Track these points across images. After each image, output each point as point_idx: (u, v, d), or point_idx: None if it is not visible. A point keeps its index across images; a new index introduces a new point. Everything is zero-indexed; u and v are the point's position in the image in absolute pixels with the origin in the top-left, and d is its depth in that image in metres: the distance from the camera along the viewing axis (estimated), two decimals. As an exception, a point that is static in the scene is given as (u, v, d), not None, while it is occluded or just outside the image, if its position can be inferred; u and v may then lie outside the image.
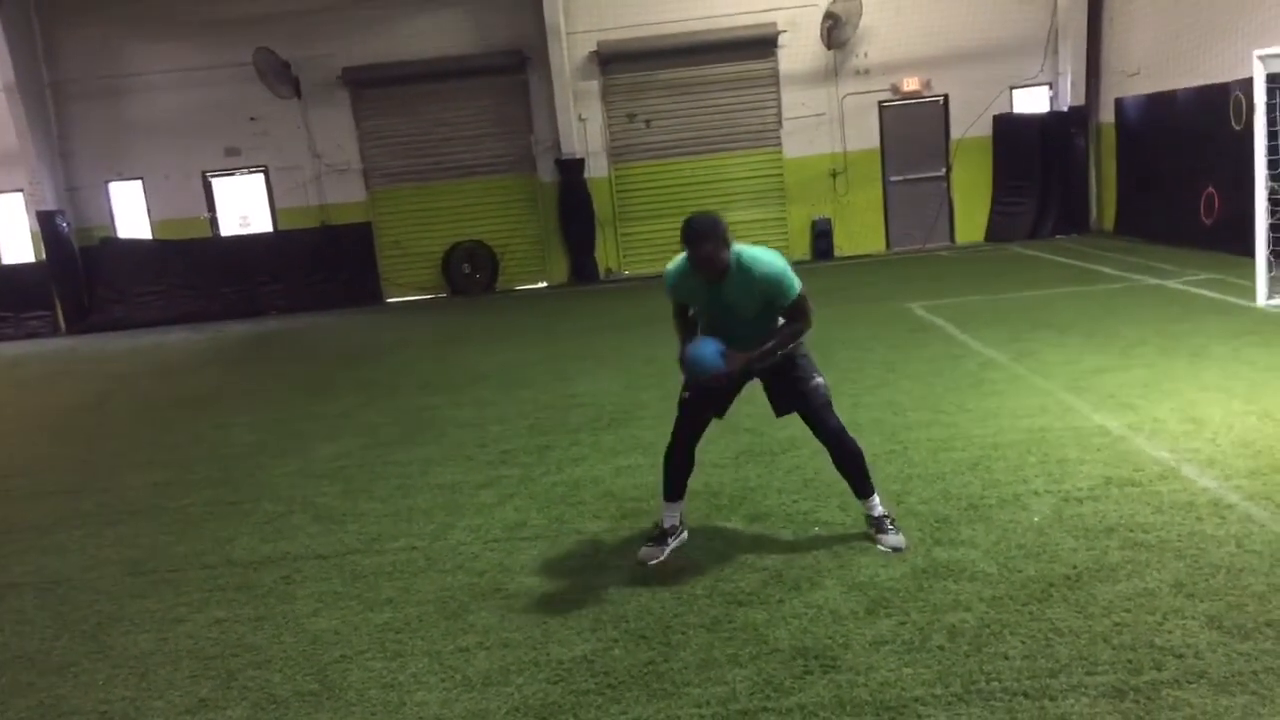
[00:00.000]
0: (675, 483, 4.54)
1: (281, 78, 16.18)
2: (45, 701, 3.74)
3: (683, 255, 4.27)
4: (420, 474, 6.25)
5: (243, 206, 17.23)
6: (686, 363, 4.29)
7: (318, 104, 16.63)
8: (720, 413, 4.62)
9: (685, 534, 4.63)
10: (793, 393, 4.42)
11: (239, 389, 10.09)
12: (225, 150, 16.88)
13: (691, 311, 4.53)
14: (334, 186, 16.87)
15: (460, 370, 9.73)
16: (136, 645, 4.15)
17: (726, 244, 4.14)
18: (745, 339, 4.29)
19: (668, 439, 4.53)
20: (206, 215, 17.12)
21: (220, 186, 17.20)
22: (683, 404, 4.51)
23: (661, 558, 4.45)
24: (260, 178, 17.04)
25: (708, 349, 4.26)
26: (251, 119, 16.74)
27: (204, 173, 17.01)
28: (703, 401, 4.48)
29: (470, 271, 16.74)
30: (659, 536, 4.54)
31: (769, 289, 4.19)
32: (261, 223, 17.22)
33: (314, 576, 4.72)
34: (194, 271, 16.71)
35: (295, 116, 16.65)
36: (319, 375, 10.38)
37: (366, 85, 16.52)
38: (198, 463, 7.08)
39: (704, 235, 4.10)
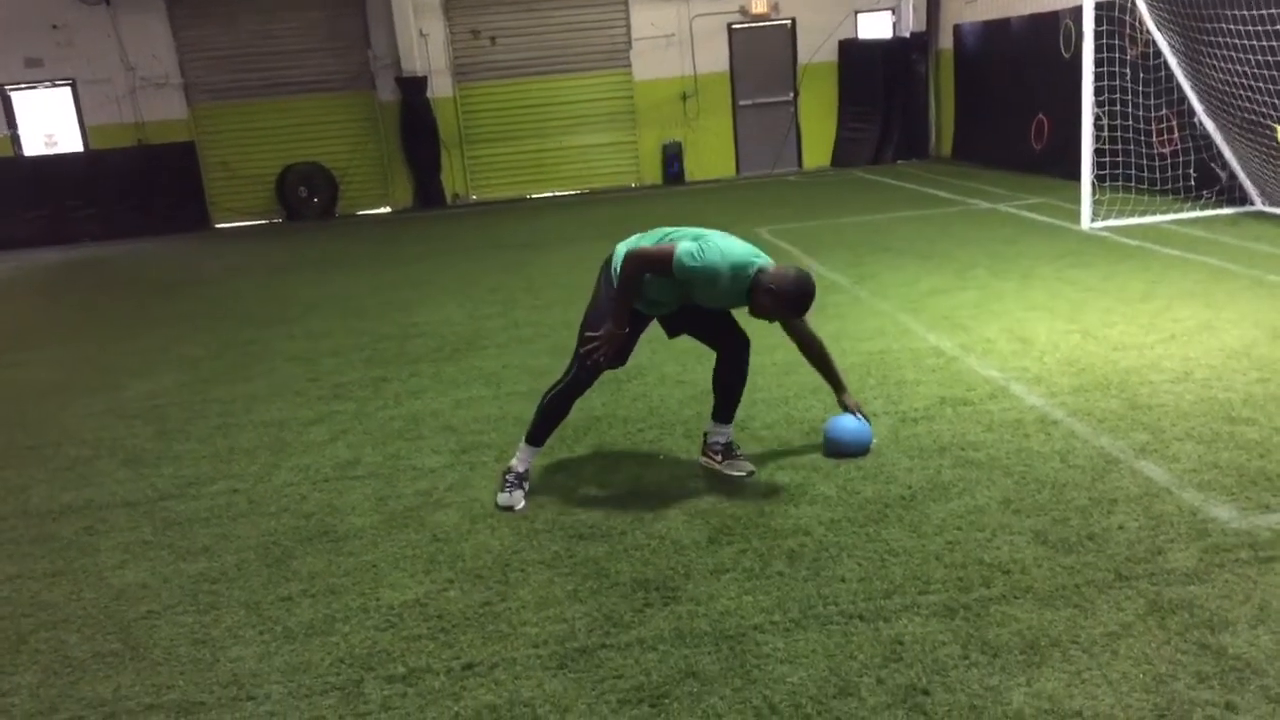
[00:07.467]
0: (549, 431, 4.27)
1: (86, -19, 14.76)
2: None
3: (731, 262, 3.82)
4: (244, 411, 5.86)
5: (49, 124, 15.78)
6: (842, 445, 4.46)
7: (129, 11, 15.27)
8: (624, 361, 4.25)
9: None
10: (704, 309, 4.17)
11: (43, 322, 9.27)
12: (25, 61, 15.34)
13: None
14: (151, 102, 15.62)
15: (292, 300, 9.20)
16: (-90, 610, 3.73)
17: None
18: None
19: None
20: (7, 132, 15.61)
21: (21, 101, 15.68)
22: (595, 366, 4.07)
23: (524, 504, 4.18)
24: (67, 92, 15.61)
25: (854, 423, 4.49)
26: (54, 27, 15.24)
27: (2, 86, 15.45)
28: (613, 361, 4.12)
29: (307, 195, 15.90)
30: (516, 481, 4.24)
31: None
32: (71, 142, 15.82)
33: (121, 526, 4.35)
34: (-5, 195, 15.27)
35: (104, 25, 15.27)
36: (134, 307, 9.63)
37: (184, -9, 15.27)
38: (-7, 405, 6.46)
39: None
